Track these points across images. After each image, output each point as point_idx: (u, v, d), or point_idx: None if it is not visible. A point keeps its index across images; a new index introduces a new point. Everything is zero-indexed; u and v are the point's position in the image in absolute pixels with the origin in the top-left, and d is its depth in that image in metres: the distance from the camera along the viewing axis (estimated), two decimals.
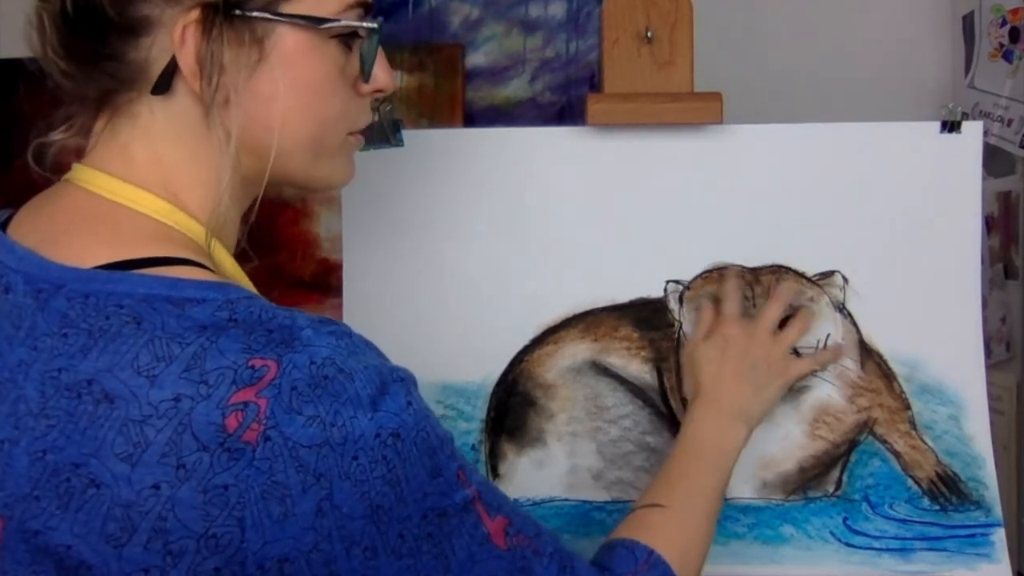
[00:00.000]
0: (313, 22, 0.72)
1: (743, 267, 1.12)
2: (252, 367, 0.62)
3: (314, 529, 0.62)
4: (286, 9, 0.72)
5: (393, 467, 0.65)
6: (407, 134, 1.13)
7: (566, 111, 1.62)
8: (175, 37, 0.69)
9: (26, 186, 0.84)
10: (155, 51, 0.71)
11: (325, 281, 1.61)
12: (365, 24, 0.75)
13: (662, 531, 0.88)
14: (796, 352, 1.10)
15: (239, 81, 0.71)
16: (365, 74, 0.77)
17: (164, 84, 0.71)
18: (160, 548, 0.61)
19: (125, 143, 0.73)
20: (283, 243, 1.60)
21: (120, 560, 0.62)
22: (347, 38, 0.75)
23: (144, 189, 0.72)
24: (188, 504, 0.61)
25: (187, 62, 0.70)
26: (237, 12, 0.70)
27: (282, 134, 0.73)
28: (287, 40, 0.72)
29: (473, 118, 1.61)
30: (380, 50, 0.77)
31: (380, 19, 0.76)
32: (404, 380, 0.68)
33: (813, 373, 1.10)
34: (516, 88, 1.63)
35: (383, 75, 0.79)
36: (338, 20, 0.73)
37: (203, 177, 0.73)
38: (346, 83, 0.77)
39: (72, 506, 0.62)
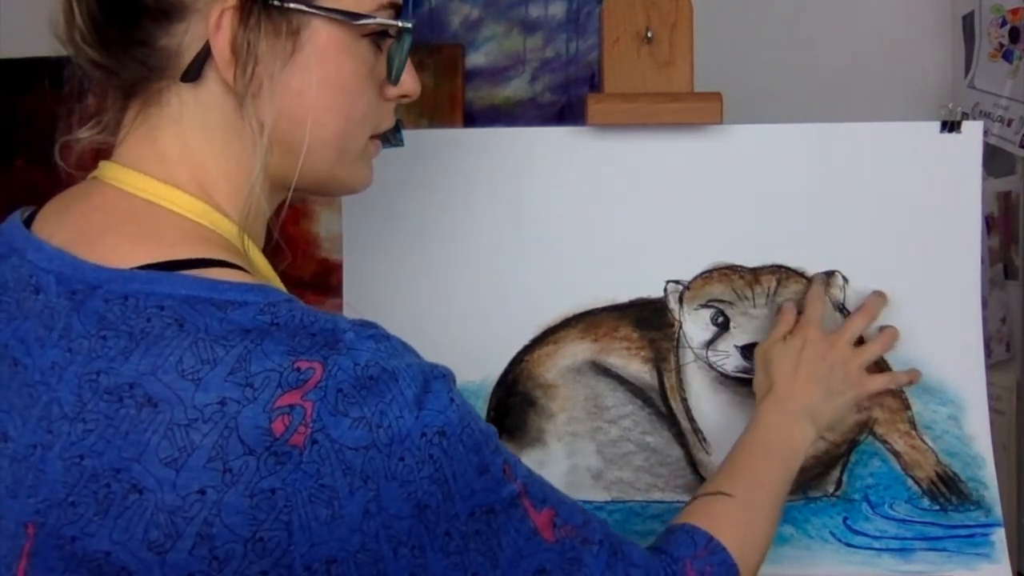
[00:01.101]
0: (349, 17, 0.72)
1: (743, 267, 1.13)
2: (298, 369, 0.62)
3: (361, 531, 0.62)
4: (324, 2, 0.71)
5: (440, 466, 0.64)
6: (407, 134, 1.12)
7: (566, 111, 1.62)
8: (211, 23, 0.69)
9: (26, 186, 0.84)
10: (188, 38, 0.70)
11: (325, 281, 1.61)
12: (399, 23, 0.75)
13: (724, 519, 0.87)
14: None
15: (274, 72, 0.70)
16: (393, 76, 0.77)
17: (195, 71, 0.71)
18: (206, 554, 0.60)
19: (155, 135, 0.72)
20: (283, 243, 1.60)
21: (164, 567, 0.61)
22: (377, 38, 0.75)
23: (178, 188, 0.71)
24: (234, 509, 0.60)
25: (221, 49, 0.69)
26: (275, 2, 0.70)
27: (295, 138, 0.73)
28: (322, 34, 0.72)
29: (473, 118, 1.61)
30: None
31: (414, 20, 0.76)
32: (445, 376, 0.68)
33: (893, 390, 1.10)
34: (516, 88, 1.63)
35: (410, 79, 0.78)
36: (373, 17, 0.73)
37: (233, 172, 0.73)
38: (374, 84, 0.76)
39: (112, 512, 0.61)
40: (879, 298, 1.09)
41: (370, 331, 0.66)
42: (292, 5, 0.70)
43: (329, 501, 0.61)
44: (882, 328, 1.09)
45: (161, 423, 0.61)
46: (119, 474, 0.61)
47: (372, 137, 0.79)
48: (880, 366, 1.10)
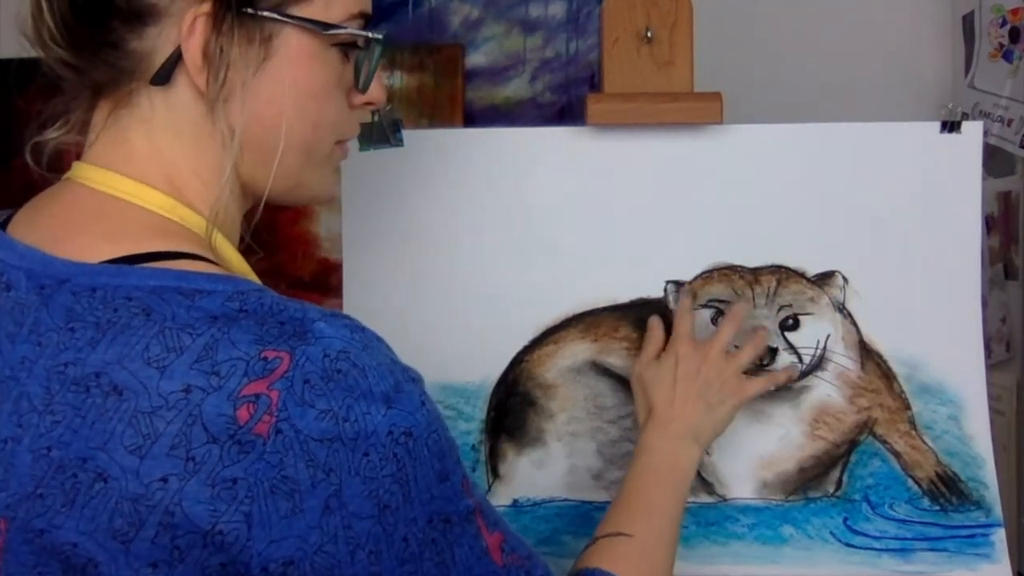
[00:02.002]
0: (320, 27, 0.73)
1: (743, 267, 1.13)
2: (264, 359, 0.62)
3: (320, 528, 0.62)
4: (295, 11, 0.72)
5: (403, 466, 0.64)
6: (407, 134, 1.13)
7: (566, 111, 1.62)
8: (184, 28, 0.69)
9: (25, 186, 0.84)
10: (159, 41, 0.70)
11: (325, 281, 1.61)
12: (370, 34, 0.76)
13: (626, 558, 0.88)
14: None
15: (246, 78, 0.71)
16: (361, 85, 0.78)
17: (164, 75, 0.71)
18: (168, 543, 0.60)
19: (125, 136, 0.73)
20: (283, 243, 1.60)
21: (128, 555, 0.61)
22: (346, 47, 0.76)
23: (145, 183, 0.72)
24: (196, 498, 0.60)
25: (193, 54, 0.69)
26: (248, 10, 0.70)
27: (267, 142, 0.73)
28: (292, 42, 0.72)
29: (473, 118, 1.61)
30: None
31: (384, 32, 0.76)
32: (416, 380, 0.68)
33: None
34: (516, 88, 1.63)
35: (376, 88, 0.79)
36: (344, 28, 0.74)
37: (204, 171, 0.73)
38: (341, 92, 0.77)
39: (79, 502, 0.62)
40: (744, 304, 1.09)
41: (343, 320, 0.66)
42: (265, 13, 0.71)
43: (290, 493, 0.61)
44: (755, 329, 1.08)
45: (126, 411, 0.61)
46: (85, 463, 0.62)
47: (338, 143, 0.80)
48: (880, 366, 1.10)
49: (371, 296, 1.14)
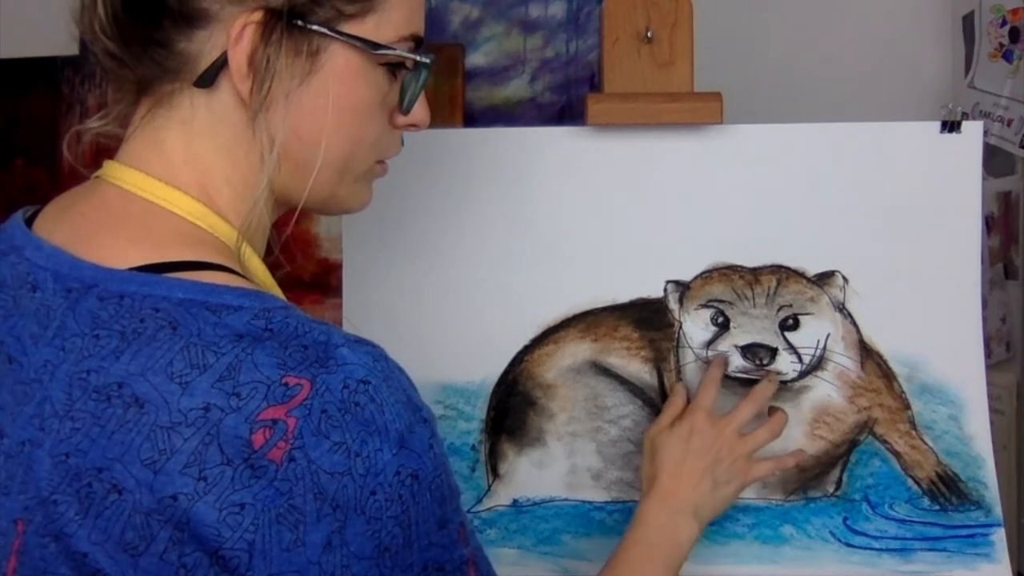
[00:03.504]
0: (370, 46, 0.72)
1: (743, 267, 1.13)
2: (286, 384, 0.61)
3: (319, 565, 0.61)
4: (346, 28, 0.72)
5: (407, 508, 0.63)
6: (407, 134, 1.13)
7: (566, 111, 1.62)
8: (232, 34, 0.69)
9: (25, 185, 0.84)
10: (208, 45, 0.70)
11: (325, 281, 1.60)
12: (418, 58, 0.76)
13: None
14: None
15: (290, 90, 0.70)
16: (405, 106, 0.78)
17: (209, 78, 0.71)
18: (175, 560, 0.60)
19: (162, 136, 0.73)
20: (283, 243, 1.60)
21: (136, 570, 0.61)
22: (394, 68, 0.76)
23: (178, 188, 0.71)
24: (203, 520, 0.60)
25: (238, 61, 0.69)
26: (299, 22, 0.70)
27: (304, 157, 0.73)
28: (339, 59, 0.72)
29: (473, 118, 1.61)
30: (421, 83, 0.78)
31: (433, 56, 0.76)
32: (428, 421, 0.66)
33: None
34: (516, 88, 1.63)
35: (421, 110, 0.79)
36: (393, 49, 0.74)
37: (238, 180, 0.73)
38: (384, 111, 0.77)
39: (92, 512, 0.61)
40: (768, 385, 1.08)
41: (366, 347, 0.65)
42: (315, 27, 0.70)
43: (295, 524, 0.60)
44: (771, 412, 1.08)
45: (145, 424, 0.61)
46: (101, 473, 0.61)
47: (379, 161, 0.81)
48: (880, 366, 1.10)
49: (371, 296, 1.14)
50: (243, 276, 0.70)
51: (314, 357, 0.63)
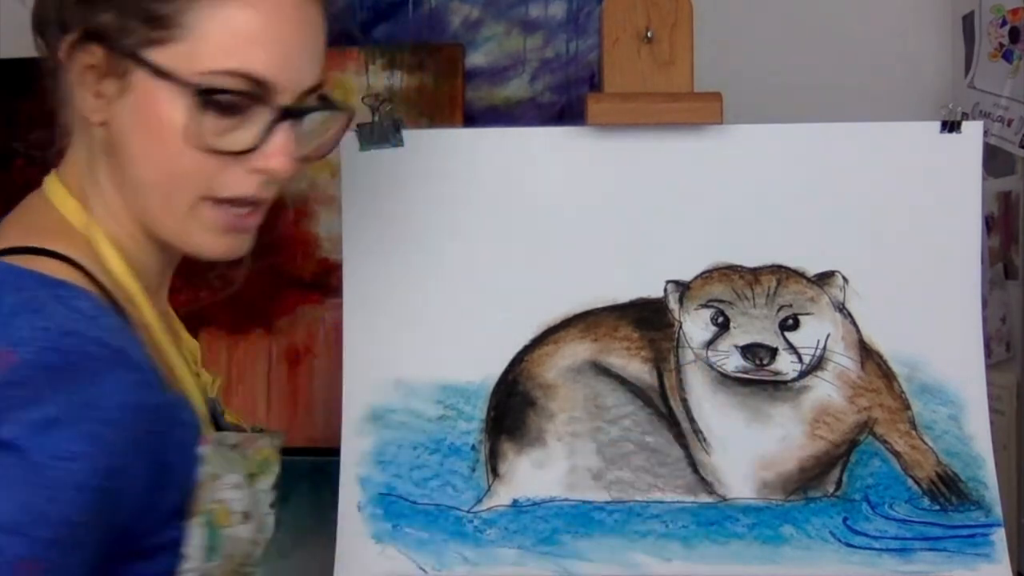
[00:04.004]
0: (170, 74, 0.75)
1: (743, 267, 1.13)
2: None
3: None
4: (152, 54, 0.75)
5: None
6: (407, 134, 1.13)
7: (566, 111, 1.61)
8: (61, 57, 0.76)
9: (25, 185, 0.85)
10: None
11: (325, 281, 1.60)
12: (235, 89, 0.76)
13: None
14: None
15: (99, 108, 0.77)
16: (249, 147, 0.78)
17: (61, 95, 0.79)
18: None
19: (69, 149, 0.81)
20: (283, 243, 1.60)
21: None
22: (219, 100, 0.76)
23: (67, 189, 0.80)
24: None
25: (67, 80, 0.77)
26: (105, 44, 0.75)
27: (131, 174, 0.78)
28: (147, 83, 0.75)
29: (473, 118, 1.61)
30: (283, 130, 0.78)
31: (279, 108, 0.77)
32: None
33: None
34: (516, 88, 1.63)
35: (273, 158, 0.78)
36: (195, 81, 0.75)
37: (93, 185, 0.80)
38: (202, 143, 0.77)
39: None
40: None
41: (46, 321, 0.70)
42: (122, 50, 0.75)
43: None
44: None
45: None
46: None
47: (216, 201, 0.79)
48: (880, 366, 1.10)
49: (371, 296, 1.14)
50: (82, 266, 0.75)
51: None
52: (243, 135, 0.77)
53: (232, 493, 0.82)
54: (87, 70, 0.76)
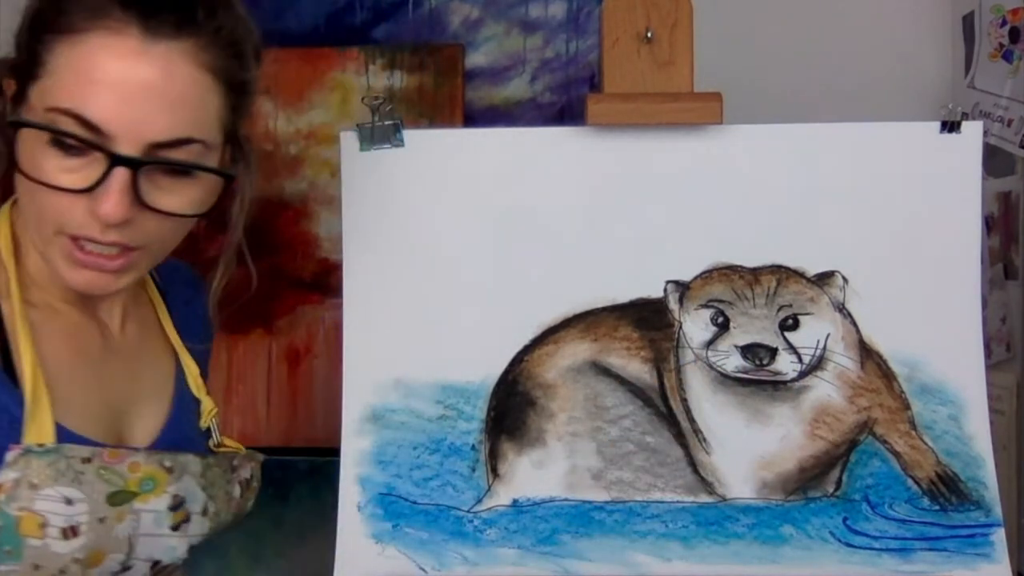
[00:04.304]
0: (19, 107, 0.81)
1: (743, 267, 1.13)
2: None
3: None
4: (30, 90, 0.80)
5: None
6: (407, 134, 1.13)
7: (566, 111, 1.62)
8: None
9: None
10: None
11: (325, 281, 1.61)
12: (53, 130, 0.79)
13: None
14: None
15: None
16: (79, 186, 0.79)
17: None
18: None
19: None
20: (283, 243, 1.60)
21: None
22: (62, 140, 0.79)
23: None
24: None
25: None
26: (15, 76, 0.82)
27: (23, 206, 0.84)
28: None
29: (473, 118, 1.61)
30: (118, 178, 0.79)
31: (115, 155, 0.79)
32: None
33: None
34: (516, 88, 1.63)
35: (103, 203, 0.79)
36: (40, 119, 0.79)
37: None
38: (44, 179, 0.79)
39: None
40: None
41: None
42: (19, 82, 0.82)
43: None
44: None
45: None
46: None
47: (73, 238, 0.82)
48: (880, 366, 1.10)
49: (371, 296, 1.14)
50: None
51: None
52: (84, 176, 0.79)
53: (53, 506, 0.82)
54: (7, 98, 0.83)
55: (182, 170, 0.82)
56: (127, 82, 0.78)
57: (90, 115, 0.78)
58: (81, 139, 0.78)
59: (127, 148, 0.78)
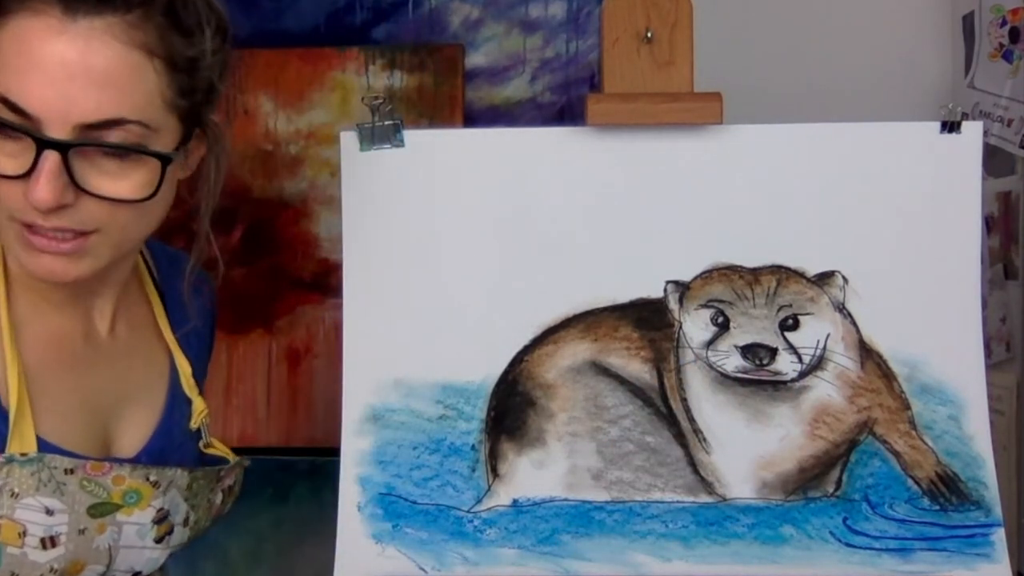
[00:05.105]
0: None
1: (743, 267, 1.13)
2: None
3: None
4: None
5: None
6: (407, 134, 1.13)
7: (566, 111, 1.62)
8: None
9: None
10: None
11: (325, 281, 1.61)
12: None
13: None
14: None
15: None
16: (16, 173, 0.79)
17: None
18: None
19: None
20: (283, 243, 1.60)
21: None
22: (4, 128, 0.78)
23: None
24: None
25: None
26: None
27: None
28: None
29: (473, 118, 1.62)
30: (49, 162, 0.78)
31: (41, 138, 0.77)
32: None
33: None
34: (516, 88, 1.63)
35: (34, 189, 0.78)
36: None
37: None
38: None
39: None
40: None
41: None
42: None
43: None
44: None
45: None
46: None
47: (24, 225, 0.81)
48: (880, 366, 1.10)
49: (371, 296, 1.14)
50: None
51: None
52: (21, 162, 0.78)
53: (33, 515, 0.82)
54: None
55: (122, 152, 0.79)
56: (48, 62, 0.75)
57: (16, 99, 0.76)
58: (10, 124, 0.76)
59: (56, 131, 0.76)
